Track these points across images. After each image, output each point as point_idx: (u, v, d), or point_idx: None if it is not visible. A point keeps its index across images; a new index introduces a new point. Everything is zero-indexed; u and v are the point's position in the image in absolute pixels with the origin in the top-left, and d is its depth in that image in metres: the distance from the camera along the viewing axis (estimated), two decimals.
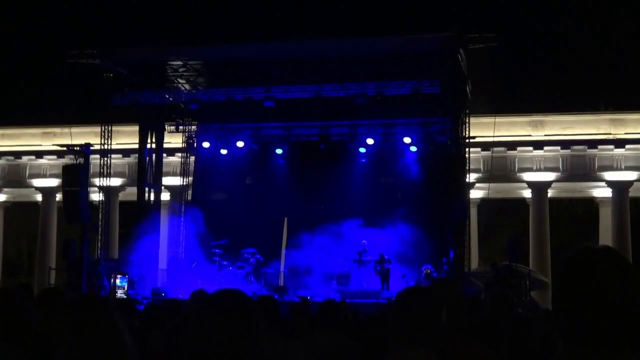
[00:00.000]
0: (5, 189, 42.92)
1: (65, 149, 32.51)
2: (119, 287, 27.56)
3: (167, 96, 30.72)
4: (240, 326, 2.89)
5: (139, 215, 31.31)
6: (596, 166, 36.64)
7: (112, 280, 27.74)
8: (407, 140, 30.55)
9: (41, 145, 40.82)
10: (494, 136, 31.47)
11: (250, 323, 2.92)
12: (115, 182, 36.47)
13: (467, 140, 28.09)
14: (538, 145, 36.65)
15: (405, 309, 4.05)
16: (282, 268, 29.93)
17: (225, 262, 29.07)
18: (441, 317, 4.04)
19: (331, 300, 8.21)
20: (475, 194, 36.32)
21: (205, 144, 32.73)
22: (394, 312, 4.06)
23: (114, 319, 3.23)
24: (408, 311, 4.03)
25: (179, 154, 35.28)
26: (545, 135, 36.78)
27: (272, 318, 6.59)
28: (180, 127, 33.54)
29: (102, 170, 30.72)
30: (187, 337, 2.92)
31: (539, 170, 36.91)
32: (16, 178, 41.86)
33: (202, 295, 7.74)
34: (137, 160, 33.09)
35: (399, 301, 4.13)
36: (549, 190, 37.42)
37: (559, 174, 36.92)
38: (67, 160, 35.17)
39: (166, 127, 33.27)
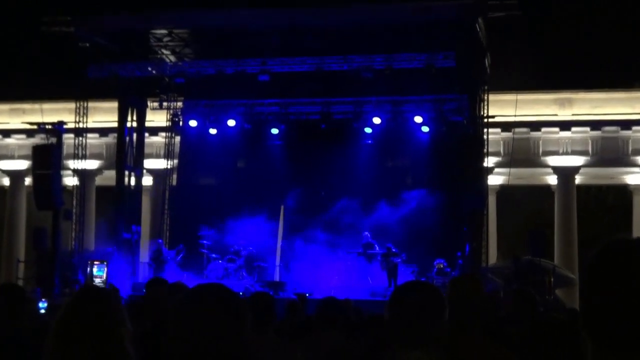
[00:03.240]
0: None
1: (35, 127, 32.49)
2: (97, 277, 27.51)
3: (149, 69, 30.65)
4: (224, 324, 2.90)
5: (117, 202, 31.32)
6: (629, 150, 36.60)
7: (88, 269, 27.71)
8: (418, 119, 30.53)
9: (9, 123, 40.78)
10: (515, 115, 31.44)
11: (235, 320, 2.93)
12: (92, 164, 36.41)
13: (486, 120, 28.07)
14: (565, 125, 36.59)
15: (402, 306, 4.02)
16: (277, 262, 29.96)
17: (214, 255, 29.11)
18: (444, 316, 4.01)
19: (332, 298, 8.21)
20: (494, 180, 36.29)
21: (192, 123, 32.71)
22: (390, 309, 4.04)
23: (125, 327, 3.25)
24: (406, 309, 4.00)
25: (163, 134, 35.27)
26: (573, 114, 36.73)
27: (267, 317, 6.60)
28: (165, 104, 33.51)
29: (76, 151, 30.70)
30: (165, 337, 2.93)
31: (566, 153, 36.86)
32: None
33: (180, 289, 7.76)
34: (115, 140, 33.06)
35: (396, 297, 4.10)
36: (576, 177, 37.40)
37: (588, 158, 36.87)
38: (38, 139, 35.08)
39: (149, 104, 33.23)
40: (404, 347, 3.94)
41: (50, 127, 30.44)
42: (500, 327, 7.63)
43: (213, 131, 32.61)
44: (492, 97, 28.91)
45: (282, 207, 31.30)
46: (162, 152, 35.40)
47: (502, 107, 31.94)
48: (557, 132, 36.81)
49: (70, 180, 32.47)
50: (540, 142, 37.13)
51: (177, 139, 34.52)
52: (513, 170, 33.29)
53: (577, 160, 36.85)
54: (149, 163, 35.43)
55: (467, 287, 4.92)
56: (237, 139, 32.53)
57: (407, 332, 3.94)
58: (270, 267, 29.68)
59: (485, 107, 28.04)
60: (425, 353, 3.91)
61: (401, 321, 3.97)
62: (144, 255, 32.06)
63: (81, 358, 3.13)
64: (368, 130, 31.29)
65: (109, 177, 35.33)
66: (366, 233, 28.43)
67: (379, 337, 7.47)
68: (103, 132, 37.95)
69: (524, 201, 42.07)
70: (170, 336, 2.91)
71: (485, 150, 27.83)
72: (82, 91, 30.59)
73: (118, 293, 11.46)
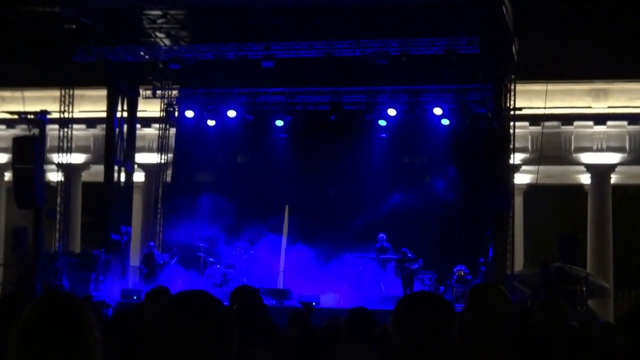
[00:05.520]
0: None
1: (16, 117, 32.53)
2: None
3: (142, 53, 30.65)
4: (206, 338, 2.88)
5: (106, 200, 31.33)
6: None
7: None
8: (437, 111, 30.48)
9: None
10: (545, 108, 31.39)
11: (219, 334, 2.91)
12: (78, 158, 36.46)
13: (512, 113, 28.00)
14: (600, 119, 36.53)
15: (406, 321, 4.02)
16: (281, 267, 29.96)
17: (211, 259, 29.12)
18: (453, 331, 4.00)
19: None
20: (521, 179, 36.26)
21: (189, 113, 32.70)
22: (394, 323, 4.03)
23: (89, 330, 3.22)
24: (411, 321, 3.99)
25: (156, 125, 35.27)
26: (609, 107, 36.66)
27: (254, 327, 6.54)
28: (158, 92, 33.50)
29: (61, 143, 30.72)
30: (145, 351, 2.92)
31: (601, 150, 36.81)
32: None
33: (163, 296, 7.73)
34: (104, 132, 33.09)
35: (399, 311, 4.09)
36: (612, 175, 37.34)
37: (625, 155, 36.81)
38: (19, 130, 35.20)
39: (141, 92, 33.26)
40: None
41: (32, 117, 30.46)
42: (528, 341, 7.62)
43: (211, 123, 32.59)
44: (520, 87, 28.85)
45: (286, 206, 31.31)
46: (155, 146, 35.42)
47: (531, 99, 31.88)
48: (591, 127, 36.76)
49: (54, 176, 32.53)
50: (573, 137, 37.07)
51: (172, 131, 34.52)
52: (542, 168, 33.24)
53: (613, 158, 36.78)
54: (140, 157, 35.47)
55: (491, 298, 4.88)
56: (237, 132, 32.50)
57: (411, 349, 3.93)
58: (273, 273, 29.67)
59: (512, 98, 27.97)
60: None
61: (405, 337, 3.96)
62: (135, 258, 32.11)
63: None
64: (382, 122, 31.23)
65: (96, 173, 35.38)
66: (382, 235, 28.34)
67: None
68: (90, 122, 38.01)
69: (553, 202, 41.99)
70: (149, 351, 2.89)
71: (511, 146, 27.79)
72: (67, 78, 30.58)
73: (88, 300, 11.46)
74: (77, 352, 3.12)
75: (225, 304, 3.14)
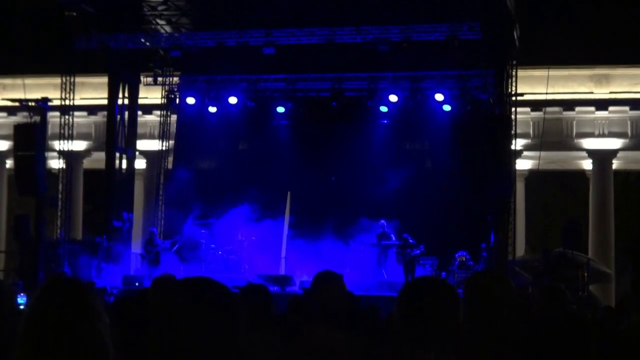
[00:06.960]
0: None
1: (17, 104, 32.49)
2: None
3: (143, 40, 30.64)
4: (213, 322, 2.87)
5: (107, 187, 31.33)
6: None
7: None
8: (439, 97, 30.46)
9: None
10: (547, 93, 31.34)
11: (226, 318, 2.90)
12: (79, 145, 36.44)
13: (514, 98, 27.96)
14: (601, 104, 36.46)
15: (413, 303, 4.03)
16: (283, 253, 29.98)
17: (212, 245, 29.14)
18: (458, 315, 4.01)
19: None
20: (523, 164, 36.23)
21: (190, 100, 32.69)
22: (400, 306, 4.04)
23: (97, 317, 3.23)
24: (417, 306, 4.00)
25: (158, 112, 35.27)
26: (611, 92, 36.59)
27: (262, 315, 6.57)
28: (159, 79, 33.50)
29: (62, 131, 30.71)
30: (150, 338, 2.91)
31: (602, 135, 36.75)
32: None
33: (169, 283, 7.72)
34: (105, 119, 33.10)
35: (407, 294, 4.10)
36: (614, 161, 37.28)
37: (627, 140, 36.74)
38: (20, 118, 35.17)
39: (142, 79, 33.24)
40: (414, 347, 3.95)
41: (33, 104, 30.44)
42: (528, 326, 7.62)
43: (212, 109, 32.59)
44: (521, 72, 28.77)
45: (288, 193, 31.28)
46: (156, 132, 35.42)
47: (532, 84, 31.81)
48: (592, 112, 36.69)
49: (56, 163, 32.51)
50: (574, 122, 37.01)
51: (173, 117, 34.52)
52: (543, 153, 33.21)
53: (615, 143, 36.73)
54: (142, 144, 35.48)
55: (489, 286, 4.88)
56: (239, 118, 32.49)
57: (417, 330, 3.94)
58: (275, 259, 29.68)
59: (514, 84, 27.93)
60: (440, 353, 3.91)
61: (410, 322, 3.97)
62: (136, 245, 32.14)
63: (58, 358, 3.11)
64: (384, 108, 31.22)
65: (98, 160, 35.38)
66: (383, 221, 28.36)
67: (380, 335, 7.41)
68: (92, 110, 37.97)
69: (555, 188, 42.00)
70: (155, 336, 2.89)
71: (513, 132, 27.76)
72: (68, 65, 30.55)
73: (90, 286, 11.41)
74: (88, 335, 3.13)
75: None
